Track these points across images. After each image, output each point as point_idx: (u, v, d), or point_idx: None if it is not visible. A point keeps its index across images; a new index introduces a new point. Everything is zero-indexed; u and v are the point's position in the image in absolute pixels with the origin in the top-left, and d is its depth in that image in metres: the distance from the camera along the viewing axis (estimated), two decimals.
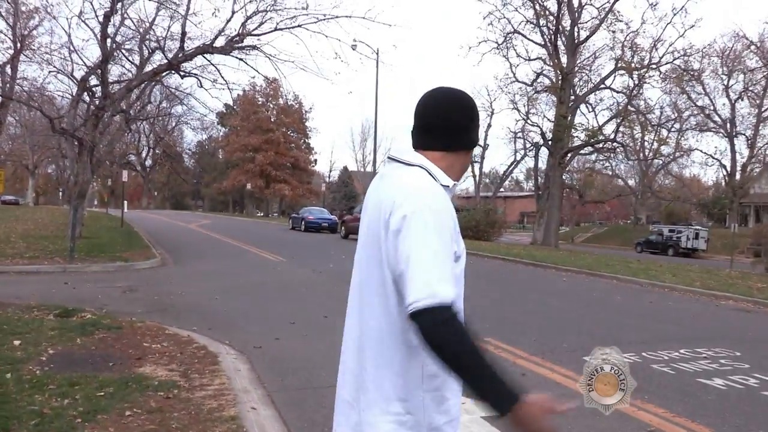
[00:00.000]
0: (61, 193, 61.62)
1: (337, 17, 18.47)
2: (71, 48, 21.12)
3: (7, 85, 28.23)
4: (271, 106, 71.61)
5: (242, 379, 5.42)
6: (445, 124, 1.76)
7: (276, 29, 18.70)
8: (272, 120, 70.06)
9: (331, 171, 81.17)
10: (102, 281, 11.79)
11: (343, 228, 30.61)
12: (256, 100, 69.02)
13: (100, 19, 17.94)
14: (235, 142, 69.30)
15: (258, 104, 69.89)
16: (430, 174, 1.70)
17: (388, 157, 1.82)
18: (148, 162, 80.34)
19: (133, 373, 5.23)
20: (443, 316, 1.48)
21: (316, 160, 75.23)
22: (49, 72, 24.45)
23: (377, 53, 29.16)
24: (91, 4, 18.68)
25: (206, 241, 24.12)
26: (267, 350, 6.66)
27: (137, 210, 67.09)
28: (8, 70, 28.22)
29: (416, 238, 1.56)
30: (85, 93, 19.82)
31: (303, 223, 35.40)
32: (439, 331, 1.47)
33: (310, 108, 75.89)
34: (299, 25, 18.62)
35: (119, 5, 17.96)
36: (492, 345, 7.06)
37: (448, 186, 1.72)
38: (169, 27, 24.45)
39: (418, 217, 1.58)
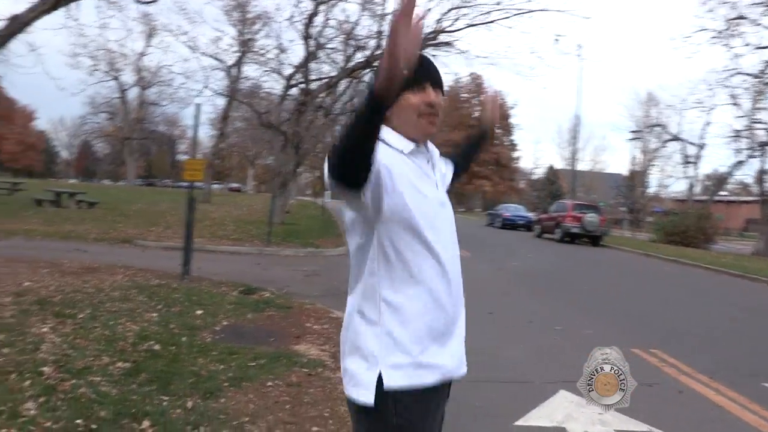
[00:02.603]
0: None
1: (531, 11, 18.19)
2: (281, 49, 22.98)
3: (232, 84, 31.50)
4: (474, 102, 72.01)
5: None
6: None
7: (470, 25, 18.83)
8: (475, 116, 70.43)
9: (535, 168, 79.45)
10: (290, 264, 12.74)
11: (537, 226, 29.93)
12: (460, 96, 69.82)
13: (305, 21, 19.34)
14: (438, 137, 70.62)
15: (461, 100, 70.67)
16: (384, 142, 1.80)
17: None
18: None
19: (287, 350, 5.64)
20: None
21: (519, 157, 74.33)
22: (264, 71, 26.78)
23: (579, 47, 28.09)
24: (298, 8, 20.16)
25: None
26: None
27: None
28: (233, 71, 31.51)
29: None
30: (293, 89, 21.47)
31: (499, 219, 35.26)
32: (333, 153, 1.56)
33: (514, 104, 75.22)
34: (492, 21, 18.59)
35: (323, 7, 19.19)
36: (657, 358, 6.58)
37: (402, 150, 1.86)
38: (369, 26, 25.55)
39: None
